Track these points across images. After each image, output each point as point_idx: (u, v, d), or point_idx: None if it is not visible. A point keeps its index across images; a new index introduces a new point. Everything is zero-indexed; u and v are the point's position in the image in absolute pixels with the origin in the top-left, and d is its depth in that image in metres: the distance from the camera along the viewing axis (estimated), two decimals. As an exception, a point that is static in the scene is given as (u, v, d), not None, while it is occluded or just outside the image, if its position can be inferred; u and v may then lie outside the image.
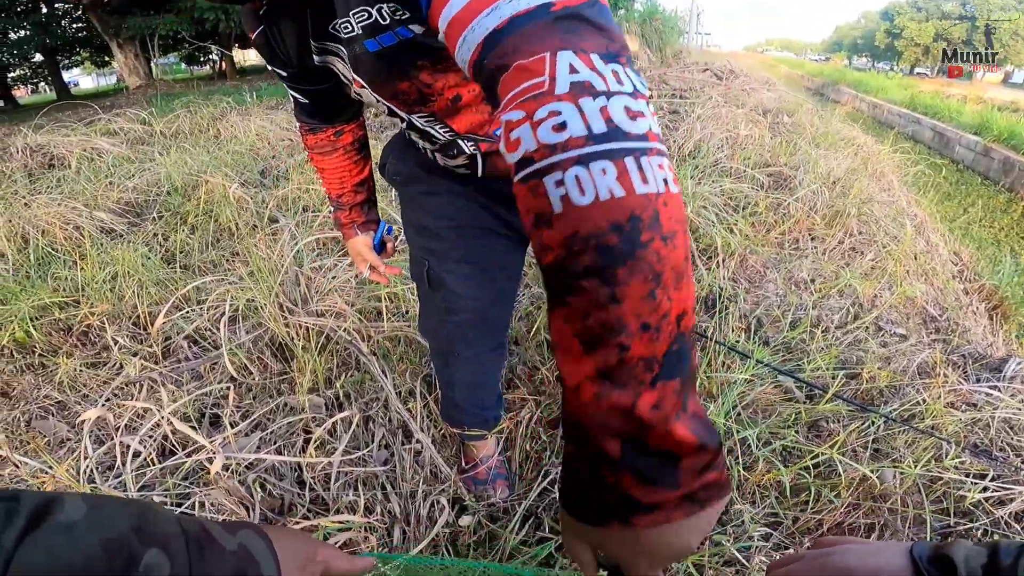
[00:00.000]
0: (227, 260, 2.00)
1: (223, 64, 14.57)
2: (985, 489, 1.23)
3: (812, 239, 2.45)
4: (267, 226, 2.17)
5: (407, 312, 1.59)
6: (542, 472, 1.29)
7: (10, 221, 2.61)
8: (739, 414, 1.35)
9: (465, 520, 1.24)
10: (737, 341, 1.63)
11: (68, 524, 0.28)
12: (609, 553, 0.38)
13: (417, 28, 0.61)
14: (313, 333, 1.42)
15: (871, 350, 1.68)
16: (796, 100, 5.95)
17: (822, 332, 1.75)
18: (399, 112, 0.79)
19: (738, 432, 1.28)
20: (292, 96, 0.95)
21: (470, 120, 0.79)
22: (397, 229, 1.22)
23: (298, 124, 1.03)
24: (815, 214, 2.57)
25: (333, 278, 1.66)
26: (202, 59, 19.20)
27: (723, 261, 2.06)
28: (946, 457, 1.31)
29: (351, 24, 0.63)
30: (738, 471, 1.24)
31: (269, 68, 0.85)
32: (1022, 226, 6.32)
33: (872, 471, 1.22)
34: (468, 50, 0.41)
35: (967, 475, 1.27)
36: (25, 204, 2.78)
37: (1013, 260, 4.94)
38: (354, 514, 1.17)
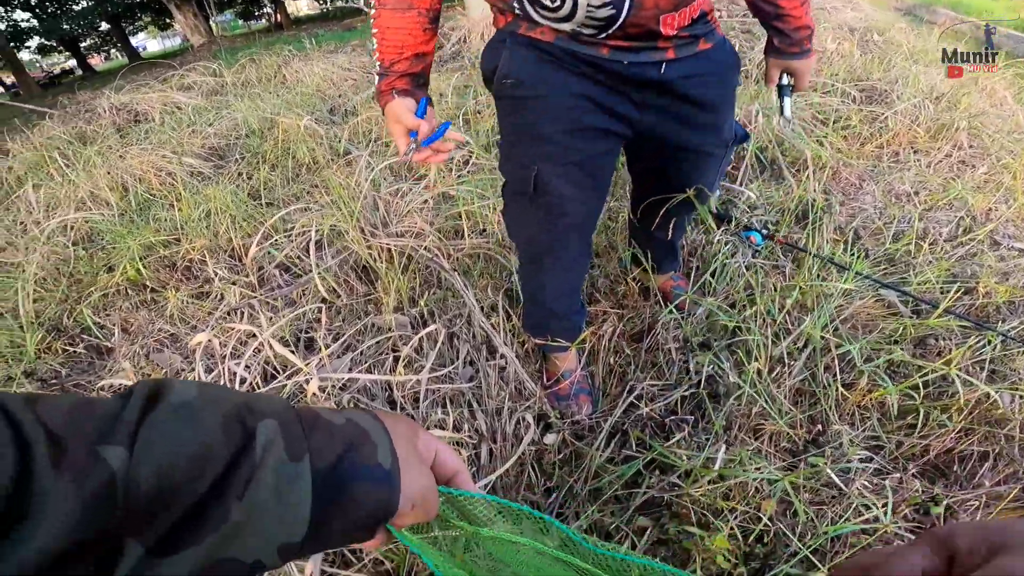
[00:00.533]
0: (307, 193, 2.07)
1: (278, 16, 14.73)
2: (1119, 415, 1.11)
3: (915, 152, 2.22)
4: (342, 158, 2.22)
5: (485, 229, 1.60)
6: (627, 387, 1.28)
7: (109, 173, 2.80)
8: (836, 328, 1.27)
9: (550, 438, 1.26)
10: (833, 254, 1.52)
11: (181, 404, 0.28)
12: (798, 70, 1.18)
13: None
14: (395, 253, 1.46)
15: (987, 264, 1.53)
16: (885, 19, 5.31)
17: (929, 245, 1.61)
18: None
19: (837, 347, 1.21)
20: None
21: None
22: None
23: None
24: (917, 127, 2.32)
25: (410, 201, 1.68)
26: (256, 13, 19.43)
27: (814, 173, 1.91)
28: (1073, 381, 1.19)
29: None
30: (836, 389, 1.18)
31: None
32: None
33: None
34: None
35: (1099, 401, 1.15)
36: (120, 156, 2.97)
37: None
38: (443, 431, 1.22)
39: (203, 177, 2.48)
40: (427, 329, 1.29)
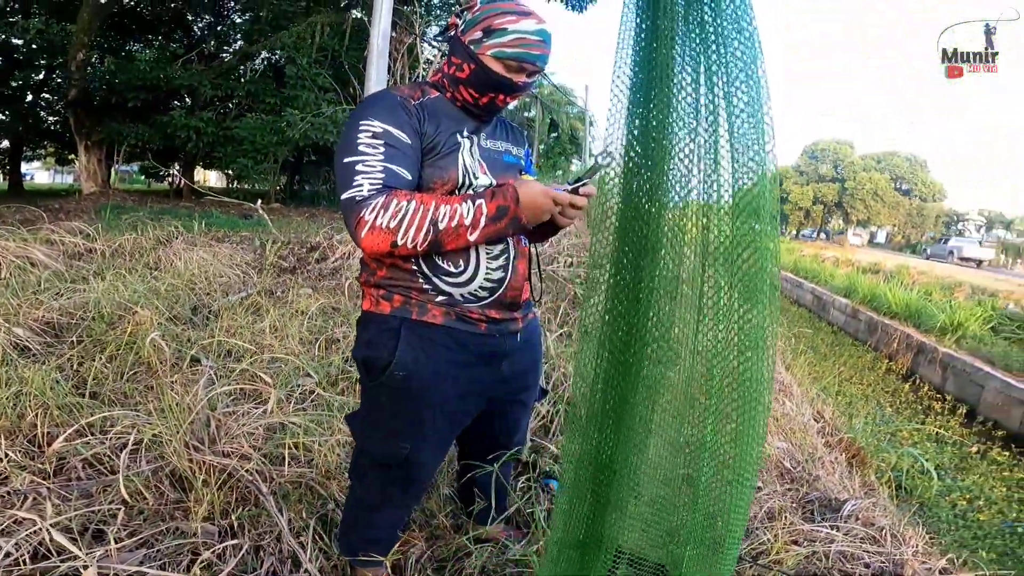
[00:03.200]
0: (140, 393, 2.09)
1: (182, 182, 14.68)
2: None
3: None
4: (189, 366, 2.30)
5: (312, 460, 1.72)
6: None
7: (-77, 324, 2.57)
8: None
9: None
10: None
11: None
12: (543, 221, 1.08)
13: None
14: (215, 470, 1.55)
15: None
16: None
17: (687, 487, 2.04)
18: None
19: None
20: (387, 172, 1.00)
21: None
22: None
23: (378, 200, 0.99)
24: (688, 389, 2.98)
25: (244, 424, 1.81)
26: (161, 174, 19.45)
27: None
28: (780, 584, 1.50)
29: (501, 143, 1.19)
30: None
31: (390, 134, 1.01)
32: (886, 382, 7.35)
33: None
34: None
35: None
36: (-57, 309, 2.75)
37: (879, 412, 5.75)
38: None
39: (29, 353, 2.39)
40: (233, 541, 1.34)
